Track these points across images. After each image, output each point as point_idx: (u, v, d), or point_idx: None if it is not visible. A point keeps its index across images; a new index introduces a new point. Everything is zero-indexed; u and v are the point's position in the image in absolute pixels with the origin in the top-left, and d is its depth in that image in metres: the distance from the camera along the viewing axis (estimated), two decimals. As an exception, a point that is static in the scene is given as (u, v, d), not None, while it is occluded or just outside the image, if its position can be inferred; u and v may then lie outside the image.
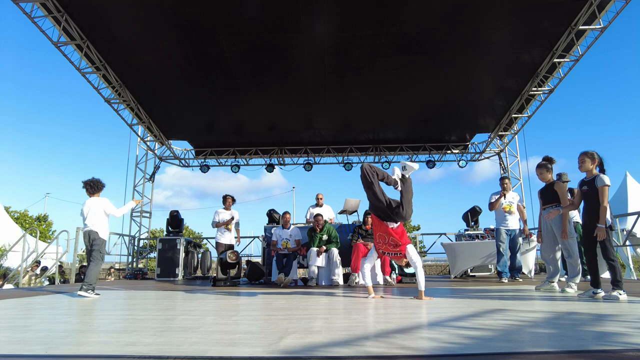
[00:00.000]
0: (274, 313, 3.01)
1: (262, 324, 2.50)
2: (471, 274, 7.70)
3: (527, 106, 9.33)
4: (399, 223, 3.97)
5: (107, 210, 4.95)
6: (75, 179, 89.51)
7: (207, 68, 7.89)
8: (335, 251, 6.22)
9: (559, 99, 73.09)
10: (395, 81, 8.34)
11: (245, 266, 7.75)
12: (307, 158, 11.72)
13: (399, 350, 1.70)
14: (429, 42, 7.11)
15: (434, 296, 3.98)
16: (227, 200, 7.32)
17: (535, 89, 8.53)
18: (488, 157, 11.99)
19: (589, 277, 3.97)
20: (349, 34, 6.84)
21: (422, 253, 10.08)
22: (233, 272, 6.98)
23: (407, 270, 6.50)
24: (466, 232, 8.09)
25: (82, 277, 8.04)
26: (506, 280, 6.10)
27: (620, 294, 3.52)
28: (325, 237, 6.29)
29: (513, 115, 9.66)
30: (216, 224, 7.18)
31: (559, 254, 4.60)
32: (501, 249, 6.26)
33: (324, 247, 6.21)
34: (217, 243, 7.19)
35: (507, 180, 6.47)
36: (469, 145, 11.83)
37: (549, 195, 4.46)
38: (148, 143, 11.08)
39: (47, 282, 8.87)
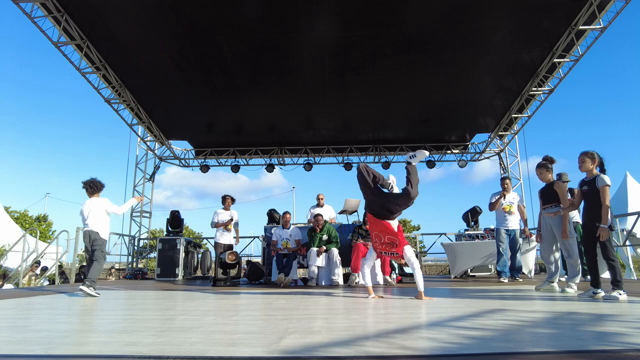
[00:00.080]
0: (274, 313, 3.01)
1: (262, 324, 2.50)
2: (471, 274, 7.71)
3: (527, 106, 9.33)
4: (395, 220, 3.99)
5: (108, 210, 4.95)
6: (75, 179, 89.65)
7: (207, 68, 7.89)
8: (335, 251, 6.22)
9: (559, 99, 73.20)
10: (395, 81, 8.34)
11: (245, 266, 7.75)
12: (307, 158, 11.72)
13: (399, 350, 1.70)
14: (429, 42, 7.11)
15: (434, 296, 3.98)
16: (227, 201, 7.32)
17: (535, 89, 8.53)
18: (488, 157, 11.99)
19: (589, 277, 3.97)
20: (349, 34, 6.84)
21: (422, 253, 10.08)
22: (233, 272, 6.98)
23: (407, 270, 6.50)
24: (466, 232, 8.09)
25: (82, 277, 8.05)
26: (505, 280, 6.10)
27: (620, 294, 3.52)
28: (325, 237, 6.29)
29: (513, 115, 9.66)
30: (215, 225, 7.18)
31: (558, 254, 4.60)
32: (501, 249, 6.26)
33: (324, 247, 6.21)
34: (215, 243, 7.19)
35: (507, 181, 6.47)
36: (469, 145, 11.84)
37: (549, 195, 4.46)
38: (148, 143, 11.08)
39: (47, 282, 8.87)
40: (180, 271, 8.63)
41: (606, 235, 3.61)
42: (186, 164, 12.26)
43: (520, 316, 2.66)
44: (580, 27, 6.73)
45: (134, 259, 10.66)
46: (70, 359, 1.68)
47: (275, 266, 6.47)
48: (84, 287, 4.57)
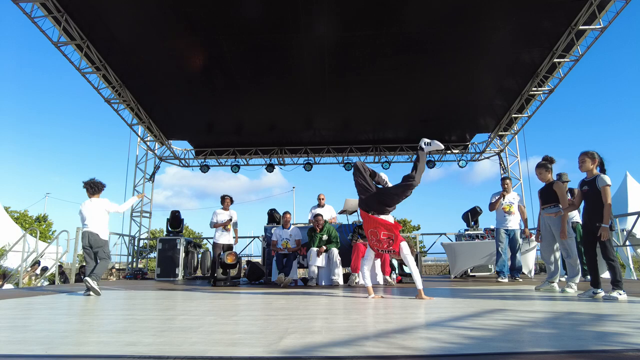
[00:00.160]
0: (274, 313, 3.01)
1: (262, 324, 2.49)
2: (471, 274, 7.71)
3: (527, 106, 9.34)
4: (390, 215, 4.01)
5: (109, 209, 4.97)
6: (75, 179, 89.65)
7: (207, 68, 7.89)
8: (335, 251, 6.22)
9: (559, 99, 73.24)
10: (395, 81, 8.34)
11: (245, 266, 7.75)
12: (307, 158, 11.73)
13: (399, 350, 1.70)
14: (429, 42, 7.11)
15: (434, 296, 3.98)
16: (225, 201, 7.32)
17: (535, 89, 8.53)
18: (488, 157, 12.00)
19: (588, 277, 3.97)
20: (349, 34, 6.85)
21: (422, 253, 10.08)
22: (233, 272, 6.98)
23: (407, 270, 6.50)
24: (466, 232, 8.09)
25: (82, 277, 8.05)
26: (504, 280, 6.10)
27: (620, 294, 3.52)
28: (325, 237, 6.29)
29: (513, 115, 9.66)
30: (214, 225, 7.18)
31: (559, 254, 4.60)
32: (500, 249, 6.26)
33: (324, 247, 6.21)
34: (214, 243, 7.19)
35: (507, 181, 6.47)
36: (469, 145, 11.84)
37: (548, 195, 4.46)
38: (148, 143, 11.09)
39: (47, 282, 8.87)
40: (180, 271, 8.63)
41: (607, 234, 3.61)
42: (186, 164, 12.27)
43: (520, 316, 2.66)
44: (580, 27, 6.73)
45: (134, 259, 10.66)
46: (70, 359, 1.67)
47: (275, 266, 6.47)
48: (89, 279, 4.56)
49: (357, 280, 6.06)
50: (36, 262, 9.52)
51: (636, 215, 6.76)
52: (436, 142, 4.14)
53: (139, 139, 10.81)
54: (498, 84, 8.69)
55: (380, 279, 6.27)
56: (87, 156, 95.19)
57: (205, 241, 12.25)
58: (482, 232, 7.92)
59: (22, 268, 8.11)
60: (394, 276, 6.41)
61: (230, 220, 7.20)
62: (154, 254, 10.19)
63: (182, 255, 8.74)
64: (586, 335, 2.01)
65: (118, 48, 7.40)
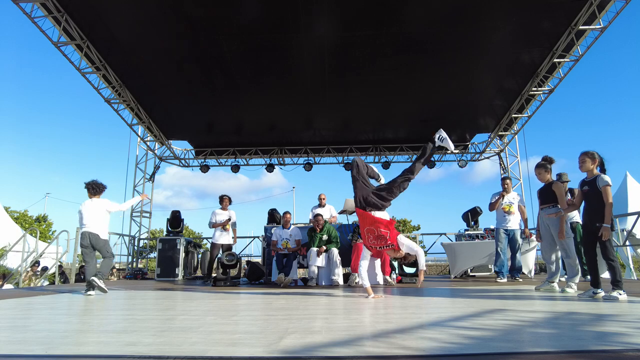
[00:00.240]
0: (274, 313, 3.01)
1: (262, 324, 2.50)
2: (471, 274, 7.71)
3: (527, 106, 9.33)
4: (385, 212, 4.01)
5: (111, 209, 5.05)
6: (75, 179, 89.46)
7: (207, 68, 7.89)
8: (335, 251, 6.22)
9: (559, 99, 73.26)
10: (395, 81, 8.34)
11: (245, 266, 7.75)
12: (307, 158, 11.73)
13: (399, 350, 1.70)
14: (429, 42, 7.11)
15: (434, 296, 3.97)
16: (224, 201, 7.32)
17: (535, 89, 8.53)
18: (488, 157, 12.00)
19: (588, 277, 3.97)
20: (349, 34, 6.84)
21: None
22: (233, 272, 6.98)
23: (408, 270, 6.51)
24: (466, 232, 8.09)
25: (82, 277, 8.05)
26: (502, 280, 6.10)
27: (620, 294, 3.52)
28: (325, 237, 6.29)
29: (513, 115, 9.66)
30: (213, 225, 7.18)
31: (559, 254, 4.60)
32: (499, 249, 6.27)
33: (324, 247, 6.21)
34: (212, 244, 7.19)
35: (507, 181, 6.48)
36: (469, 145, 11.84)
37: (547, 195, 4.46)
38: (148, 143, 11.09)
39: (47, 282, 8.87)
40: (180, 271, 8.63)
41: (609, 234, 3.61)
42: (186, 164, 12.27)
43: (520, 316, 2.66)
44: (580, 27, 6.73)
45: (134, 259, 10.66)
46: (70, 359, 1.68)
47: (275, 266, 6.47)
48: (95, 278, 4.64)
49: (357, 280, 6.06)
50: (36, 262, 9.52)
51: (636, 215, 6.76)
52: (449, 141, 4.16)
53: (139, 139, 10.81)
54: (498, 84, 8.69)
55: (380, 279, 6.27)
56: (87, 156, 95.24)
57: (205, 241, 12.25)
58: (482, 232, 7.92)
59: (22, 268, 8.11)
60: (394, 276, 6.41)
61: (229, 220, 7.20)
62: (154, 254, 10.19)
63: (182, 255, 8.74)
64: (586, 335, 2.01)
65: (118, 48, 7.40)
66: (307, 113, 9.85)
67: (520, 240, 6.42)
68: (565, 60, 7.60)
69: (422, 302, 3.62)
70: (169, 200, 72.02)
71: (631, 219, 7.45)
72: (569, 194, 5.97)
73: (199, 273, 9.21)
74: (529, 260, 7.01)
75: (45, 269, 9.59)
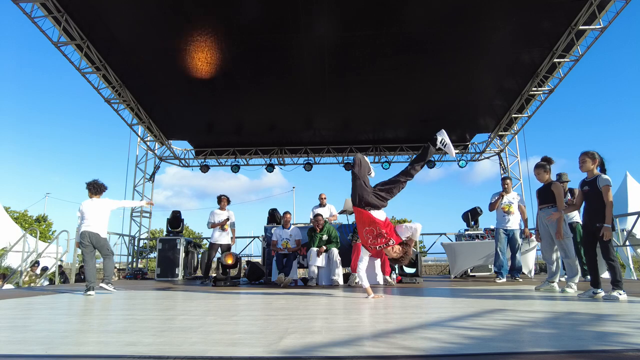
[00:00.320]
0: (274, 313, 3.01)
1: (262, 324, 2.50)
2: (471, 274, 7.71)
3: (527, 106, 9.33)
4: (383, 211, 4.00)
5: (113, 207, 5.16)
6: (75, 179, 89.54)
7: (207, 68, 7.88)
8: (335, 251, 6.22)
9: (559, 99, 73.34)
10: (395, 81, 8.34)
11: (245, 266, 7.75)
12: (307, 158, 11.72)
13: (399, 350, 1.70)
14: (429, 42, 7.11)
15: (434, 296, 3.97)
16: (222, 201, 7.32)
17: (535, 89, 8.53)
18: (488, 157, 12.00)
19: (588, 277, 3.97)
20: (349, 34, 6.84)
21: (422, 253, 10.08)
22: (233, 272, 6.98)
23: (407, 270, 6.51)
24: (466, 232, 8.09)
25: (82, 277, 8.05)
26: (501, 280, 6.10)
27: (620, 294, 3.52)
28: (325, 237, 6.29)
29: (513, 115, 9.66)
30: (212, 225, 7.18)
31: (560, 254, 4.60)
32: (498, 249, 6.27)
33: (324, 247, 6.21)
34: (211, 244, 7.19)
35: (507, 181, 6.47)
36: (469, 145, 11.84)
37: (546, 196, 4.46)
38: (148, 143, 11.08)
39: (47, 282, 8.87)
40: (180, 271, 8.63)
41: (610, 234, 3.61)
42: (186, 164, 12.26)
43: (520, 316, 2.66)
44: (580, 27, 6.73)
45: (134, 259, 10.66)
46: (70, 359, 1.68)
47: (275, 266, 6.47)
48: (104, 285, 4.92)
49: (357, 280, 6.05)
50: (36, 262, 9.51)
51: (636, 215, 6.76)
52: (451, 146, 4.14)
53: (139, 139, 10.81)
54: (498, 84, 8.69)
55: (380, 279, 6.27)
56: (87, 156, 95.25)
57: (205, 241, 12.25)
58: (482, 232, 7.92)
59: (22, 268, 8.11)
60: (394, 276, 6.40)
61: (228, 220, 7.20)
62: (154, 254, 10.19)
63: (182, 255, 8.74)
64: (586, 335, 2.01)
65: (118, 48, 7.39)
66: (307, 113, 9.85)
67: (520, 240, 6.42)
68: (565, 60, 7.60)
69: (422, 302, 3.62)
70: (169, 200, 72.08)
71: (631, 219, 7.45)
72: (568, 194, 5.97)
73: (199, 273, 9.20)
74: (529, 260, 7.01)
75: (45, 269, 9.59)
